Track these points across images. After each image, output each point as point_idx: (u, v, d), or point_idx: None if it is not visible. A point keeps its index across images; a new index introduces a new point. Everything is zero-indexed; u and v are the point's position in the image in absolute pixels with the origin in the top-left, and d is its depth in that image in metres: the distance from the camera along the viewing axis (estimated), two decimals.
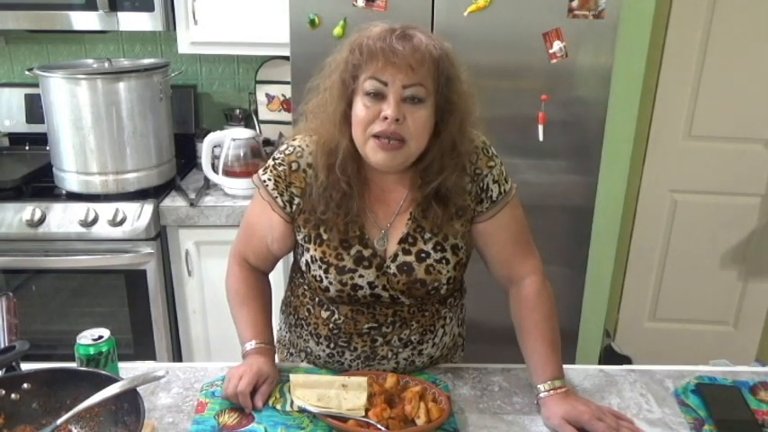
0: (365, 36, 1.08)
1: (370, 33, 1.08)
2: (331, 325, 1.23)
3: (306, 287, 1.27)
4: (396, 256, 1.17)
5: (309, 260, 1.19)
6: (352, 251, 1.17)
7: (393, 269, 1.17)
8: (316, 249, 1.18)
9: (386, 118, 1.05)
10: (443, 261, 1.18)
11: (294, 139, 1.22)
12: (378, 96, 1.06)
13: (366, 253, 1.17)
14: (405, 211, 1.19)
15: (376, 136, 1.07)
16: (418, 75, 1.05)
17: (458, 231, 1.19)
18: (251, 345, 1.20)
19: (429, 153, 1.13)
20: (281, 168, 1.19)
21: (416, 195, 1.17)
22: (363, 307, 1.20)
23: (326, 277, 1.17)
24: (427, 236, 1.18)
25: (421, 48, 1.05)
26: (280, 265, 2.11)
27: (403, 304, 1.21)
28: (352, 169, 1.14)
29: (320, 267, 1.17)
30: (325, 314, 1.24)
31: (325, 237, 1.17)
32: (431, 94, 1.08)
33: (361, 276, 1.16)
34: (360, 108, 1.08)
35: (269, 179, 1.20)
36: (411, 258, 1.17)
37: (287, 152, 1.20)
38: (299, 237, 1.21)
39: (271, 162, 1.21)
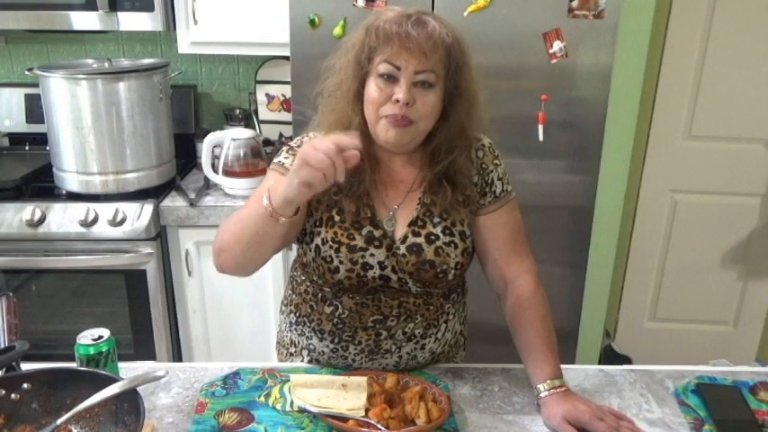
0: (382, 19, 1.11)
1: (387, 17, 1.11)
2: (335, 320, 1.23)
3: (308, 283, 1.27)
4: (405, 237, 1.19)
5: (320, 243, 1.19)
6: (364, 231, 1.18)
7: (403, 250, 1.18)
8: (327, 231, 1.19)
9: (397, 101, 1.09)
10: (452, 245, 1.20)
11: (307, 132, 1.26)
12: (390, 79, 1.10)
13: (377, 233, 1.18)
14: (414, 193, 1.21)
15: (386, 116, 1.11)
16: (431, 61, 1.09)
17: (464, 219, 1.22)
18: (266, 198, 1.06)
19: (437, 135, 1.17)
20: (298, 149, 1.19)
21: (427, 174, 1.20)
22: (368, 299, 1.21)
23: (337, 257, 1.17)
24: (436, 220, 1.20)
25: (434, 35, 1.09)
26: (280, 264, 2.12)
27: (409, 294, 1.21)
28: (364, 145, 1.16)
29: (331, 248, 1.18)
30: (328, 309, 1.24)
31: (336, 218, 1.19)
32: (441, 80, 1.12)
33: (371, 255, 1.17)
34: (373, 89, 1.12)
35: (286, 158, 1.21)
36: (421, 240, 1.19)
37: (304, 139, 1.24)
38: (309, 223, 1.21)
39: (286, 147, 1.24)
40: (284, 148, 1.24)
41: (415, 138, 1.15)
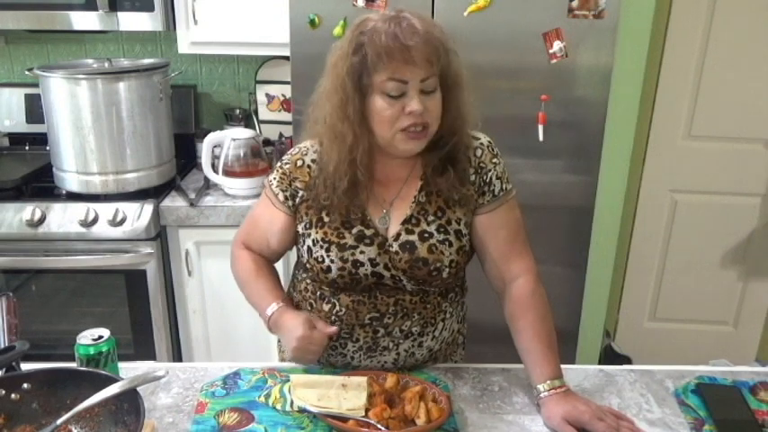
0: (369, 33, 1.08)
1: (376, 28, 1.08)
2: (333, 317, 1.24)
3: (308, 281, 1.28)
4: (398, 235, 1.19)
5: (311, 244, 1.20)
6: (354, 230, 1.19)
7: (395, 247, 1.18)
8: (317, 232, 1.20)
9: (411, 112, 1.09)
10: (446, 243, 1.19)
11: (300, 143, 1.28)
12: (398, 94, 1.09)
13: (368, 232, 1.19)
14: (409, 189, 1.21)
15: (403, 129, 1.11)
16: (434, 67, 1.09)
17: (460, 218, 1.21)
18: (273, 307, 1.23)
19: (441, 123, 1.17)
20: (287, 167, 1.25)
21: (431, 159, 1.19)
22: (365, 296, 1.21)
23: (328, 256, 1.18)
24: (430, 218, 1.20)
25: (429, 38, 1.08)
26: (281, 263, 2.12)
27: (405, 291, 1.21)
28: (367, 160, 1.17)
29: (322, 247, 1.19)
30: (326, 307, 1.24)
31: (326, 219, 1.20)
32: (437, 76, 1.12)
33: (362, 253, 1.18)
34: (382, 107, 1.10)
35: (274, 178, 1.26)
36: (414, 237, 1.19)
37: (293, 152, 1.27)
38: (301, 226, 1.23)
39: (278, 164, 1.27)
40: (277, 165, 1.27)
41: (428, 139, 1.15)
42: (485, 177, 1.23)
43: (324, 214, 1.20)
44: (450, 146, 1.18)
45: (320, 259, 1.19)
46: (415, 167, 1.22)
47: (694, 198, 2.64)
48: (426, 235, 1.19)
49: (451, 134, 1.18)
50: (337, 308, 1.23)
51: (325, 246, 1.19)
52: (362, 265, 1.18)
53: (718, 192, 2.62)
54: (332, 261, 1.18)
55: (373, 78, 1.09)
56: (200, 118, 2.65)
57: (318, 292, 1.26)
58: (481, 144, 1.24)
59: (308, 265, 1.23)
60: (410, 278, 1.20)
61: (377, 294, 1.21)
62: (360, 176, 1.16)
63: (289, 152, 1.28)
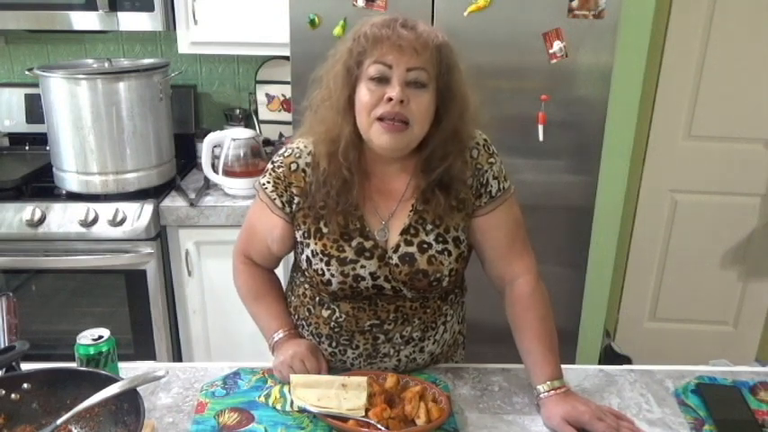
0: (369, 24, 1.11)
1: (374, 22, 1.11)
2: (332, 323, 1.23)
3: (306, 286, 1.27)
4: (398, 246, 1.18)
5: (310, 255, 1.19)
6: (353, 243, 1.17)
7: (395, 260, 1.17)
8: (316, 243, 1.18)
9: (390, 99, 1.07)
10: (445, 252, 1.18)
11: (293, 142, 1.25)
12: (382, 81, 1.08)
13: (367, 245, 1.17)
14: (407, 201, 1.20)
15: (380, 119, 1.09)
16: (422, 59, 1.08)
17: (459, 224, 1.20)
18: (279, 335, 1.25)
19: (431, 140, 1.15)
20: (280, 170, 1.21)
21: (420, 182, 1.18)
22: (365, 303, 1.21)
23: (328, 270, 1.17)
24: (429, 227, 1.18)
25: (424, 34, 1.08)
26: (281, 265, 2.12)
27: (405, 299, 1.21)
28: (353, 157, 1.15)
29: (321, 260, 1.18)
30: (325, 313, 1.24)
31: (325, 230, 1.18)
32: (432, 80, 1.10)
33: (362, 267, 1.17)
34: (364, 93, 1.10)
35: (268, 182, 1.22)
36: (413, 249, 1.18)
37: (285, 154, 1.23)
38: (299, 234, 1.21)
39: (270, 166, 1.24)
40: (269, 168, 1.24)
41: (409, 143, 1.13)
42: (481, 179, 1.21)
43: (322, 224, 1.18)
44: (440, 172, 1.16)
45: (320, 272, 1.18)
46: (414, 176, 1.19)
47: (694, 198, 2.65)
48: (425, 246, 1.18)
49: (443, 157, 1.15)
50: (337, 314, 1.23)
51: (325, 259, 1.17)
52: (363, 279, 1.17)
53: (718, 192, 2.63)
54: (332, 275, 1.17)
55: (363, 66, 1.09)
56: (200, 118, 2.65)
57: (318, 298, 1.25)
58: (477, 144, 1.21)
59: (307, 274, 1.22)
60: (410, 288, 1.19)
61: (377, 302, 1.21)
62: (346, 173, 1.15)
63: (280, 153, 1.24)
